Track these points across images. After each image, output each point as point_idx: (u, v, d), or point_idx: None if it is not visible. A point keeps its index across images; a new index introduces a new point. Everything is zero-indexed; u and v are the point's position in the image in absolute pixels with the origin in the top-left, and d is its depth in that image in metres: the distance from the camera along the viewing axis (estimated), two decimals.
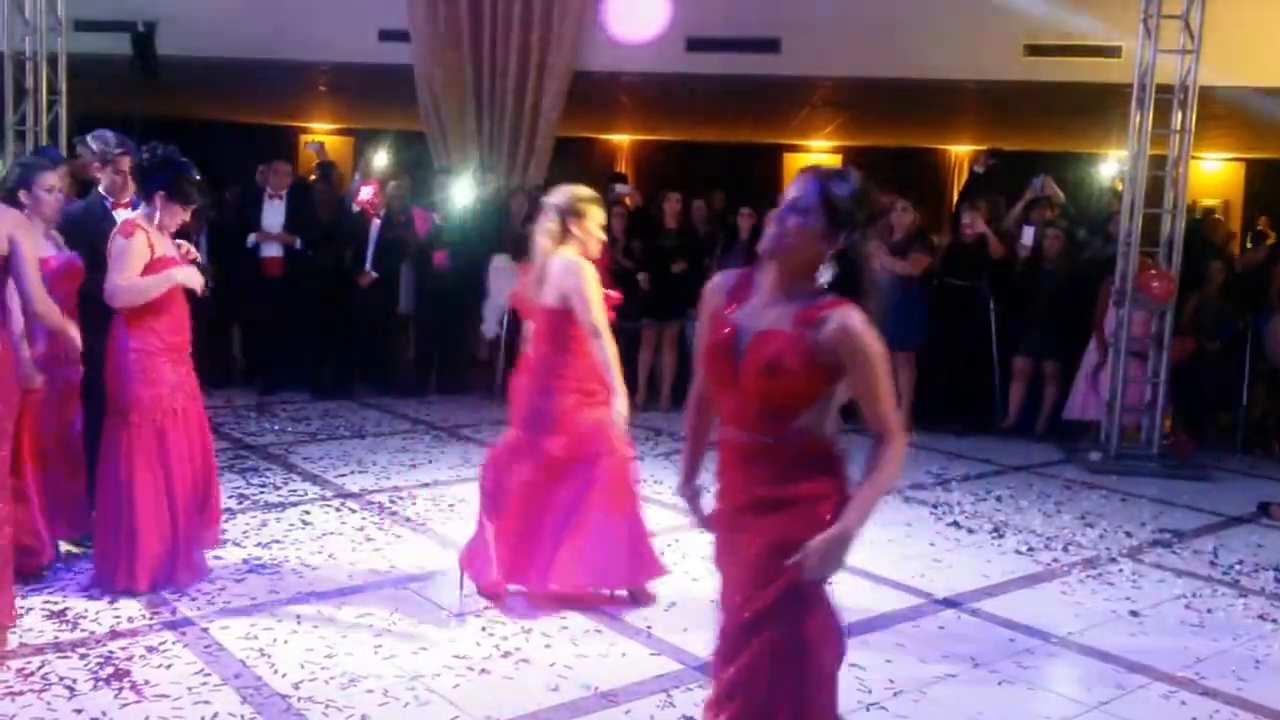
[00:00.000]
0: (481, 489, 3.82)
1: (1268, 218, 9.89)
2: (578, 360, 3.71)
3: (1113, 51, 7.69)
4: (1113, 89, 7.12)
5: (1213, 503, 5.63)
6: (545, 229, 3.72)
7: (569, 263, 3.66)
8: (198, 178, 3.82)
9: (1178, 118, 6.38)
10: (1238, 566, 4.62)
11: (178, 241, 3.93)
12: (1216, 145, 11.53)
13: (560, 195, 3.75)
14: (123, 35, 8.22)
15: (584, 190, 3.79)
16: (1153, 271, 6.30)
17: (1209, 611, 4.07)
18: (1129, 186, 6.49)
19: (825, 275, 2.03)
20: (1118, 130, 6.96)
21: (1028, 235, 6.97)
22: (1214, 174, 12.64)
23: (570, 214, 3.69)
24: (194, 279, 3.80)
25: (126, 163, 4.23)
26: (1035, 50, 8.20)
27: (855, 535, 2.01)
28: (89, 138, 4.42)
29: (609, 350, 3.69)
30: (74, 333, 3.54)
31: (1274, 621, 4.00)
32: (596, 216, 3.77)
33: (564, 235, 3.69)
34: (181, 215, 3.81)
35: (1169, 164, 6.44)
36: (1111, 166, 8.48)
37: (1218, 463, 6.50)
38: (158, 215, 3.75)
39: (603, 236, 3.82)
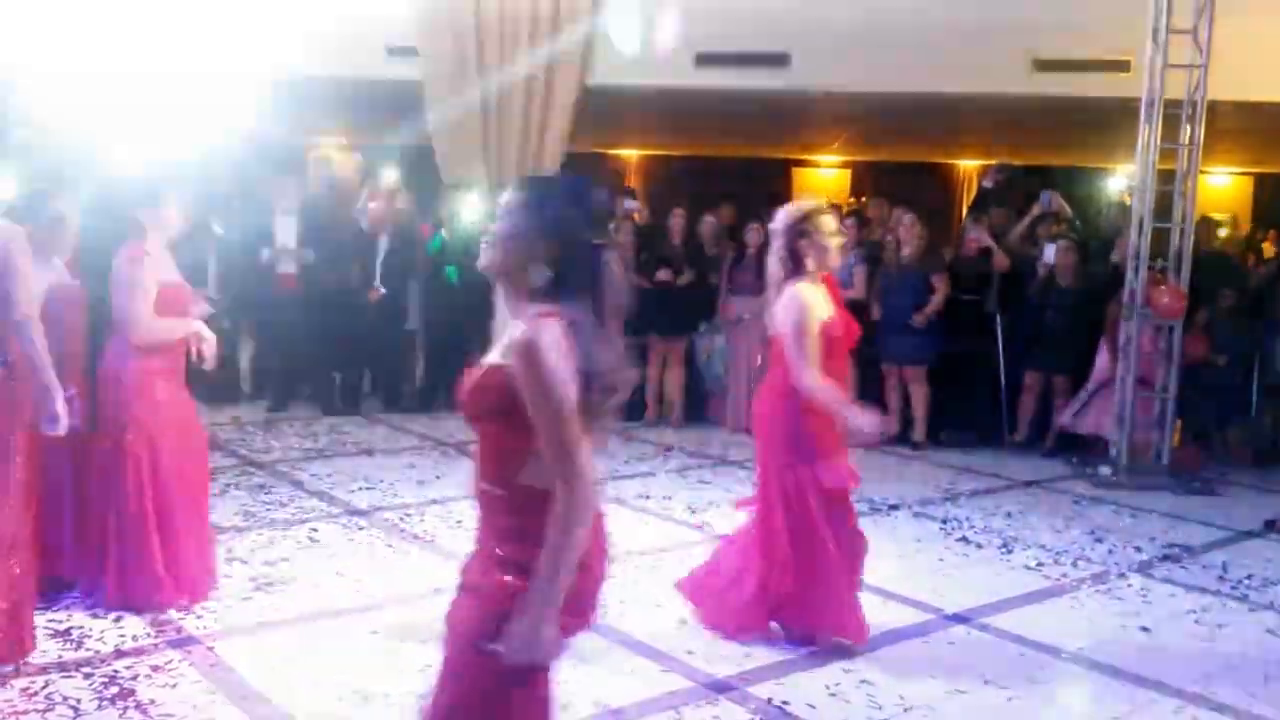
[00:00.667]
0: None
1: (1276, 232, 9.85)
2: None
3: (1121, 66, 7.68)
4: (1121, 103, 7.12)
5: (1222, 518, 5.60)
6: (775, 257, 3.56)
7: (789, 295, 3.49)
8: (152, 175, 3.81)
9: (1187, 132, 6.38)
10: (1247, 581, 4.59)
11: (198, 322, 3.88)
12: (1225, 160, 11.51)
13: (781, 217, 3.56)
14: None
15: (805, 204, 3.62)
16: (1162, 287, 6.27)
17: (1219, 626, 4.04)
18: (1138, 201, 6.48)
19: (539, 280, 1.80)
20: (1126, 145, 6.96)
21: (1049, 253, 6.94)
22: (1222, 189, 12.61)
23: (796, 235, 3.51)
24: (208, 342, 3.77)
25: None
26: (1044, 65, 8.20)
27: (541, 625, 1.74)
28: None
29: (815, 386, 3.44)
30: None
31: None
32: (827, 226, 3.56)
33: (794, 260, 3.52)
34: (171, 214, 3.76)
35: (1178, 178, 6.42)
36: (1119, 180, 8.48)
37: (1227, 478, 6.45)
38: (149, 233, 3.73)
39: (838, 243, 3.59)
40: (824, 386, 3.46)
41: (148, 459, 3.69)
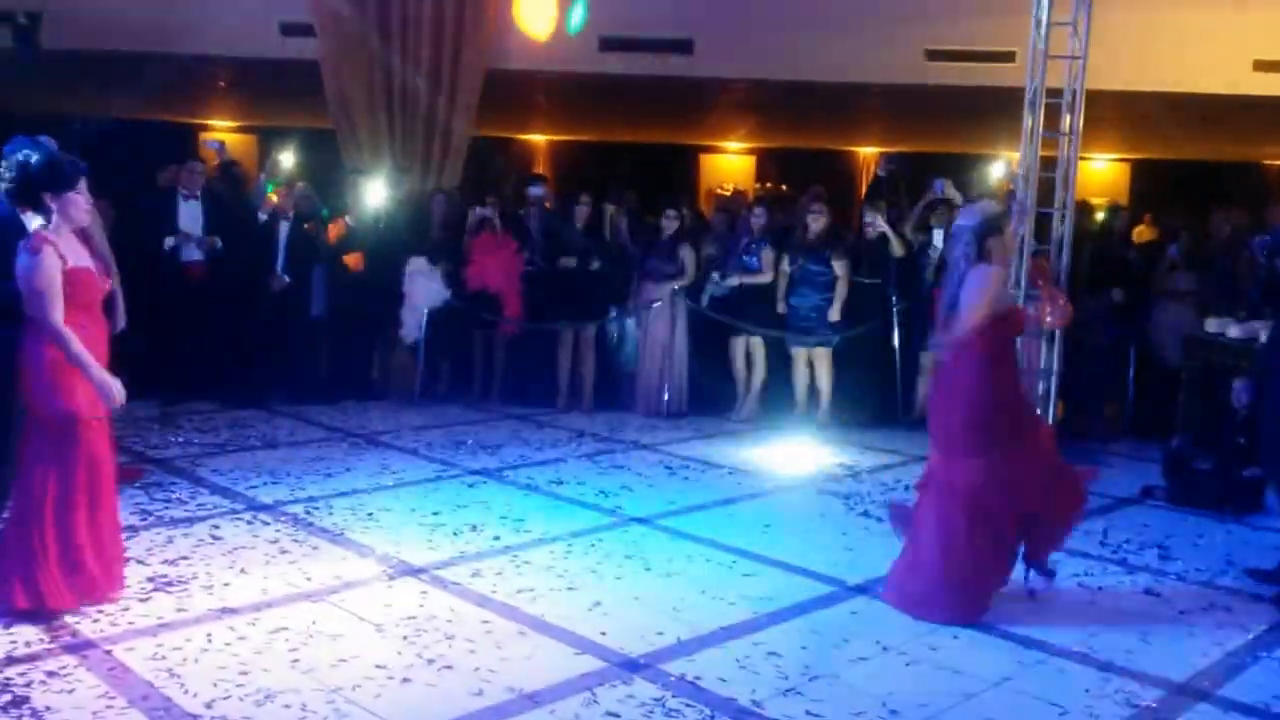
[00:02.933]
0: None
1: (1151, 215, 10.46)
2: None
3: (1007, 57, 8.03)
4: (1008, 93, 7.44)
5: (1101, 486, 5.85)
6: (960, 253, 3.88)
7: (981, 274, 3.81)
8: (56, 152, 3.67)
9: (1067, 120, 6.69)
10: (1125, 545, 4.89)
11: None
12: (1103, 147, 12.15)
13: (973, 214, 3.93)
14: (3, 28, 7.84)
15: (993, 204, 4.10)
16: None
17: (1099, 589, 4.30)
18: (1021, 187, 6.78)
19: None
20: (1012, 133, 7.28)
21: (937, 238, 7.20)
22: (1101, 173, 13.30)
23: (988, 232, 3.83)
24: (109, 389, 3.59)
25: None
26: (935, 55, 8.52)
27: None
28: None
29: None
30: None
31: (1158, 595, 4.26)
32: (1010, 227, 4.09)
33: (981, 258, 3.84)
34: (79, 198, 3.62)
35: (1059, 165, 6.74)
36: (1000, 167, 8.84)
37: (1106, 449, 6.83)
38: (56, 218, 3.59)
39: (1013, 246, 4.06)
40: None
41: (76, 452, 3.58)
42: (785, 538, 4.80)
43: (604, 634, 3.63)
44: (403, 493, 5.30)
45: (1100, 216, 8.73)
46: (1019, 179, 6.78)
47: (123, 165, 7.76)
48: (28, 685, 3.12)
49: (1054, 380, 6.74)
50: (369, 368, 7.75)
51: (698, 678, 3.33)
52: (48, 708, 2.99)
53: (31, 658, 3.30)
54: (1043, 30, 6.56)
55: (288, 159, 8.07)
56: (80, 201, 3.62)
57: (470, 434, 6.63)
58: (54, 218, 3.59)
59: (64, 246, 3.57)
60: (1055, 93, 6.62)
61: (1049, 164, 6.71)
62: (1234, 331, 6.27)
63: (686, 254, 7.41)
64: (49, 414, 3.55)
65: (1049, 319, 6.56)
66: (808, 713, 3.13)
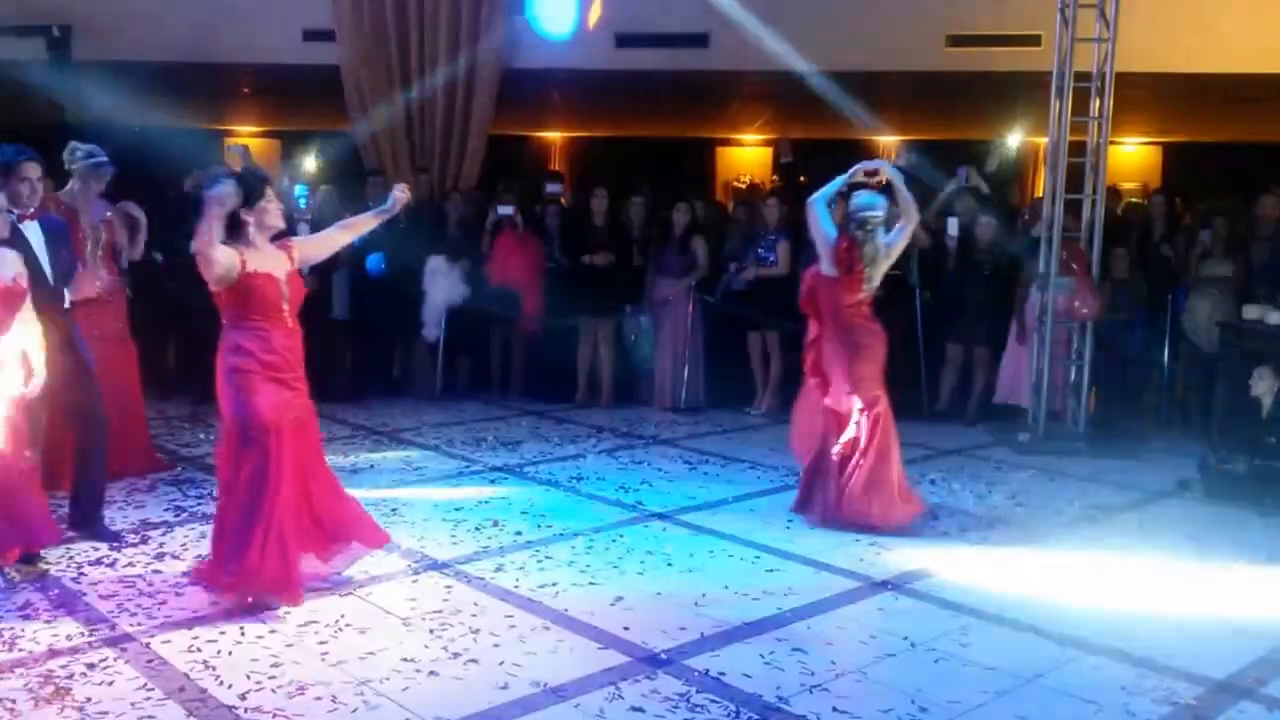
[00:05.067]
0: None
1: (1183, 200, 10.27)
2: None
3: (1033, 40, 7.90)
4: (1034, 78, 7.33)
5: (1137, 479, 5.84)
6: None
7: None
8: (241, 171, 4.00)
9: (1095, 105, 6.59)
10: (1162, 539, 4.79)
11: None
12: (1134, 130, 11.93)
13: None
14: (38, 39, 7.99)
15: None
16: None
17: (1136, 584, 4.22)
18: (1050, 173, 6.69)
19: None
20: (1039, 118, 7.17)
21: (953, 226, 7.14)
22: (1132, 157, 13.07)
23: None
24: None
25: (33, 170, 4.14)
26: (957, 40, 8.41)
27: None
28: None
29: None
30: None
31: (1197, 591, 4.18)
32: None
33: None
34: (270, 207, 3.85)
35: (1088, 151, 6.63)
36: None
37: (1141, 441, 6.72)
38: (253, 228, 3.83)
39: None
40: None
41: (260, 455, 3.71)
42: (809, 533, 4.78)
43: (627, 629, 3.64)
44: (426, 489, 5.34)
45: (1131, 201, 8.56)
46: (1047, 165, 6.67)
47: (153, 172, 7.87)
48: (70, 677, 3.19)
49: (1085, 370, 6.66)
50: (391, 366, 7.80)
51: (722, 673, 3.33)
52: (89, 699, 3.05)
53: (73, 651, 3.37)
54: (1070, 13, 6.47)
55: (309, 162, 8.14)
56: (272, 209, 3.86)
57: (490, 430, 6.66)
58: (250, 229, 3.80)
59: (250, 252, 3.78)
60: (1083, 76, 6.52)
61: (1078, 149, 6.61)
62: (1275, 318, 6.13)
63: (699, 247, 7.38)
64: (234, 417, 3.73)
65: (1083, 310, 6.47)
66: (834, 709, 3.11)
